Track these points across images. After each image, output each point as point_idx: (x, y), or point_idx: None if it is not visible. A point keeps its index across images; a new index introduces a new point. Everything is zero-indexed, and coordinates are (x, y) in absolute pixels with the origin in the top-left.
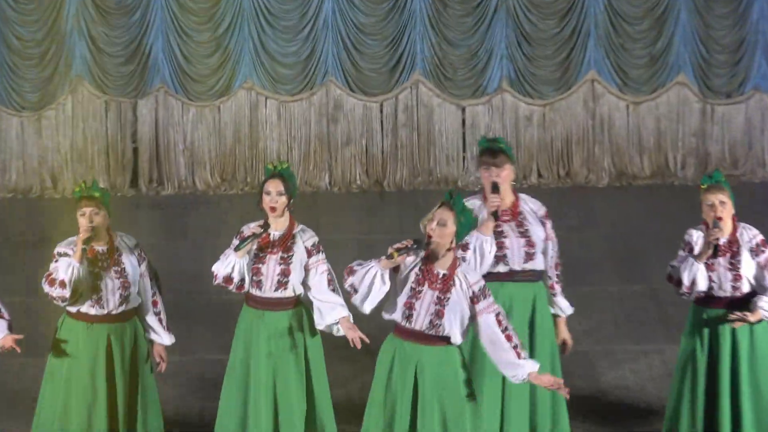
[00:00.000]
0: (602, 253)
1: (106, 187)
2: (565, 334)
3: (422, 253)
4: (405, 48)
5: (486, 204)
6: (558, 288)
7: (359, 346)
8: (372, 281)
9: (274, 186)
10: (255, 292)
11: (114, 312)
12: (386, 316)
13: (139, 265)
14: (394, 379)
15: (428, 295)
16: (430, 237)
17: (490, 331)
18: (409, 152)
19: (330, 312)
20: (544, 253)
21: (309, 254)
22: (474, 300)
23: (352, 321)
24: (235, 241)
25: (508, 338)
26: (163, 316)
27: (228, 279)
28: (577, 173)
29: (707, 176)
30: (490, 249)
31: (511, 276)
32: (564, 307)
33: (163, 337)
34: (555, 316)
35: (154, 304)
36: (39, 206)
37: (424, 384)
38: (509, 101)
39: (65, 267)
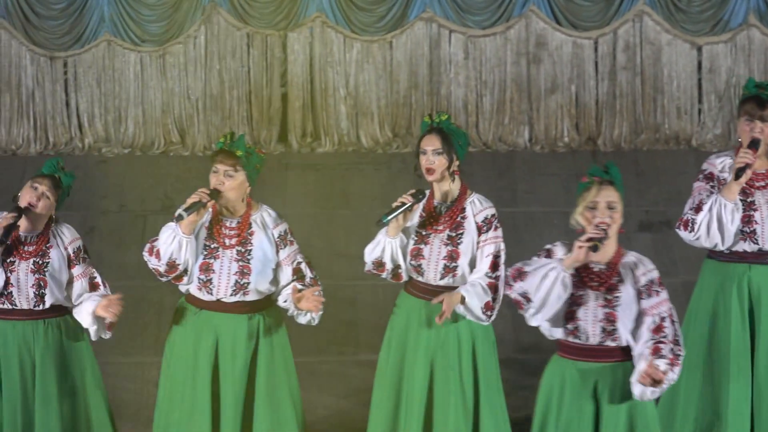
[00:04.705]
0: None
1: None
2: None
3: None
4: None
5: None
6: None
7: None
8: (551, 288)
9: (430, 143)
10: (417, 277)
11: (225, 300)
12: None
13: (278, 252)
14: (566, 414)
15: (592, 298)
16: (602, 229)
17: None
18: (630, 102)
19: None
20: None
21: (480, 231)
22: (641, 294)
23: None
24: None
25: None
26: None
27: (379, 264)
28: None
29: None
30: (732, 219)
31: (762, 257)
32: None
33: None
34: None
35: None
36: (163, 165)
37: (608, 414)
38: (758, 39)
39: (168, 235)
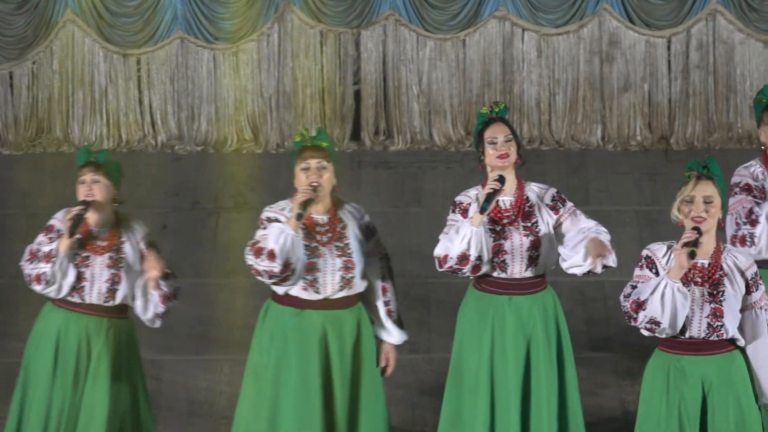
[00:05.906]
0: None
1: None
2: None
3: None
4: None
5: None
6: None
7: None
8: (673, 303)
9: (501, 130)
10: (499, 274)
11: (332, 297)
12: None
13: (367, 241)
14: (671, 406)
15: (697, 294)
16: (695, 228)
17: None
18: (702, 101)
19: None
20: None
21: (555, 209)
22: (749, 288)
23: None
24: (454, 217)
25: None
26: (393, 306)
27: (464, 258)
28: None
29: None
30: None
31: None
32: None
33: (391, 334)
34: None
35: (383, 291)
36: (236, 163)
37: (714, 407)
38: None
39: (276, 234)
